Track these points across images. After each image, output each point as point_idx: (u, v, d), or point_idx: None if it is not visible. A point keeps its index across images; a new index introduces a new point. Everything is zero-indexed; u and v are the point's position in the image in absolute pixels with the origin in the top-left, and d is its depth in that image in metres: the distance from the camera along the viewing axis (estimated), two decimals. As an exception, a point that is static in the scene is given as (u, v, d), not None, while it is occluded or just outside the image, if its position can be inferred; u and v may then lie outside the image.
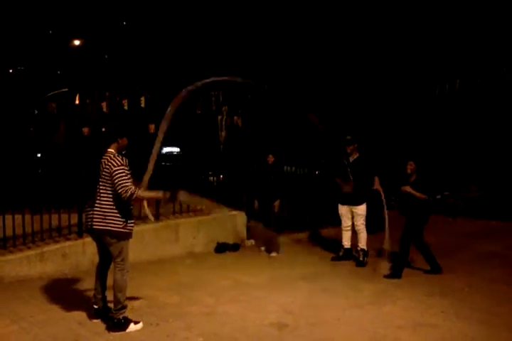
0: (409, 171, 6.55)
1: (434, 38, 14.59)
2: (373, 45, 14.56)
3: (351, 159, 7.11)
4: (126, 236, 4.54)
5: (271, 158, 7.80)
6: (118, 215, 4.46)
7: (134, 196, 4.38)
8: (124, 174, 4.39)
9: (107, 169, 4.44)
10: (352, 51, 14.41)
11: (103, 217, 4.47)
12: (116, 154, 4.51)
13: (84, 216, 6.47)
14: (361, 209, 7.12)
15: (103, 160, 4.52)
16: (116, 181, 4.37)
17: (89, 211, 4.62)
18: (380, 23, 14.66)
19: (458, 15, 14.34)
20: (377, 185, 6.98)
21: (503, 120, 14.19)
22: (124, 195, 4.35)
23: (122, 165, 4.43)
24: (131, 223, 4.59)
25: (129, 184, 4.37)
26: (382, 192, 6.95)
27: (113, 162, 4.43)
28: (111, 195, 4.46)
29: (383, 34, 14.56)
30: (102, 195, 4.50)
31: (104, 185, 4.49)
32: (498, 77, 13.41)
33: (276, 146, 8.87)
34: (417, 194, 6.37)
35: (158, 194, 4.59)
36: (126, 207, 4.50)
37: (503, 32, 13.84)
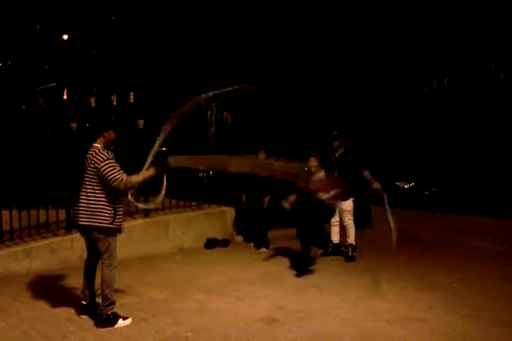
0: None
1: (422, 36, 14.63)
2: (361, 42, 14.56)
3: (337, 154, 7.11)
4: (114, 231, 4.51)
5: (262, 154, 7.77)
6: (105, 211, 4.42)
7: (130, 185, 4.38)
8: (112, 167, 4.35)
9: (93, 164, 4.39)
10: (339, 47, 14.39)
11: (90, 213, 4.42)
12: (102, 149, 4.46)
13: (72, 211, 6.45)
14: (347, 205, 7.08)
15: (88, 155, 4.46)
16: (107, 176, 4.32)
17: (75, 207, 4.58)
18: (367, 20, 14.65)
19: (446, 13, 14.39)
20: (374, 184, 6.86)
21: (491, 117, 14.30)
22: (119, 187, 4.33)
23: (109, 159, 4.38)
24: (120, 218, 4.55)
25: (120, 176, 4.32)
26: (381, 191, 6.80)
27: (98, 157, 4.38)
28: (98, 191, 4.42)
29: (371, 31, 14.56)
30: (88, 190, 4.45)
31: (90, 180, 4.44)
32: (487, 74, 13.51)
33: (266, 142, 8.85)
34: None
35: (150, 172, 4.55)
36: (113, 202, 4.46)
37: (492, 30, 13.91)
